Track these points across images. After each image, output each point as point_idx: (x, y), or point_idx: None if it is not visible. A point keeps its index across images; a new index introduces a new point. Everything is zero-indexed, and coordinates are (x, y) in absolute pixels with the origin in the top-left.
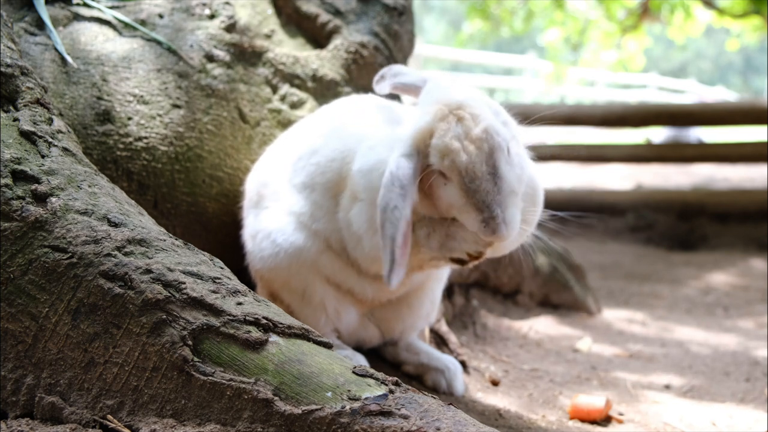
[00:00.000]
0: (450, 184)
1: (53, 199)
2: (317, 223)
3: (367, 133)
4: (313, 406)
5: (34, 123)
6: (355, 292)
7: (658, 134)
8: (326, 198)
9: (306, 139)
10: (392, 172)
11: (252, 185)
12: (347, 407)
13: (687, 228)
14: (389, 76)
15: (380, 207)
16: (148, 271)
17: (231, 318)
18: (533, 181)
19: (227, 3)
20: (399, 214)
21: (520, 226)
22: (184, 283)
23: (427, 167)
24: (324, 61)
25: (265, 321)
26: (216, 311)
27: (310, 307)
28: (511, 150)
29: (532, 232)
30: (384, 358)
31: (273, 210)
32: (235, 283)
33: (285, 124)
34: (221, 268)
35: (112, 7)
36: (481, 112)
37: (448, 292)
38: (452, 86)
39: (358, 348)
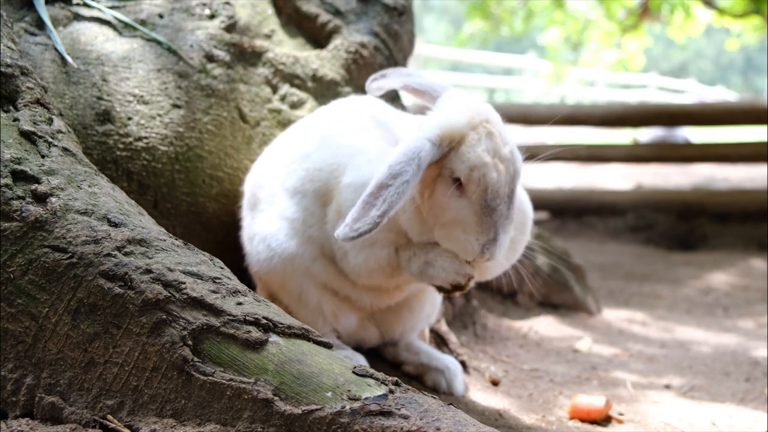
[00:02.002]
0: (465, 197)
1: (53, 199)
2: (310, 230)
3: (360, 147)
4: (313, 406)
5: (34, 123)
6: (352, 299)
7: (644, 134)
8: (317, 206)
9: (300, 143)
10: (417, 147)
11: (249, 187)
12: (347, 407)
13: (687, 228)
14: (398, 75)
15: (391, 171)
16: (148, 271)
17: (231, 318)
18: (524, 209)
19: (227, 3)
20: (407, 188)
21: (508, 253)
22: (184, 283)
23: (442, 170)
24: (324, 61)
25: (265, 321)
26: (216, 311)
27: (306, 309)
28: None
29: (518, 258)
30: (384, 358)
31: (268, 213)
32: (235, 283)
33: (285, 124)
34: (221, 268)
35: (112, 7)
36: (507, 132)
37: None
38: (476, 99)
39: (358, 347)
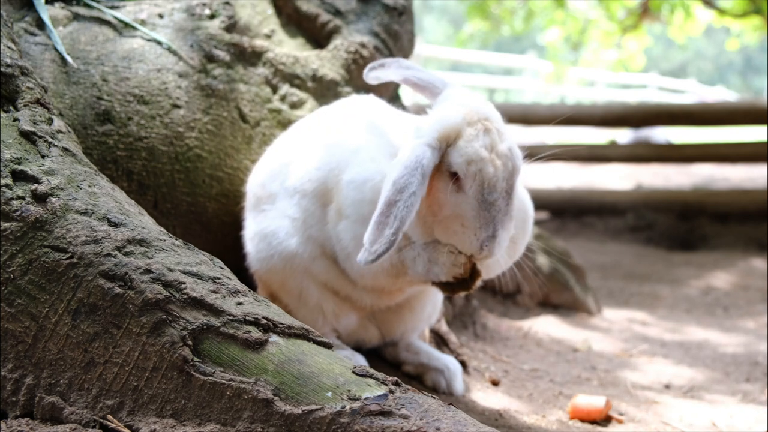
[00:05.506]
0: (463, 193)
1: (53, 199)
2: (311, 230)
3: (360, 145)
4: (313, 406)
5: (34, 123)
6: (353, 299)
7: (623, 135)
8: (317, 206)
9: (300, 142)
10: (417, 157)
11: (250, 187)
12: (347, 407)
13: (687, 228)
14: (397, 67)
15: (396, 186)
16: (148, 271)
17: (231, 318)
18: (525, 208)
19: (227, 3)
20: (416, 200)
21: (509, 251)
22: (184, 283)
23: (440, 166)
24: (324, 61)
25: (265, 321)
26: (216, 311)
27: (306, 308)
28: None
29: (518, 257)
30: (384, 358)
31: (269, 213)
32: (235, 283)
33: (285, 124)
34: (221, 268)
35: (112, 7)
36: (506, 130)
37: None
38: (477, 97)
39: (358, 347)
